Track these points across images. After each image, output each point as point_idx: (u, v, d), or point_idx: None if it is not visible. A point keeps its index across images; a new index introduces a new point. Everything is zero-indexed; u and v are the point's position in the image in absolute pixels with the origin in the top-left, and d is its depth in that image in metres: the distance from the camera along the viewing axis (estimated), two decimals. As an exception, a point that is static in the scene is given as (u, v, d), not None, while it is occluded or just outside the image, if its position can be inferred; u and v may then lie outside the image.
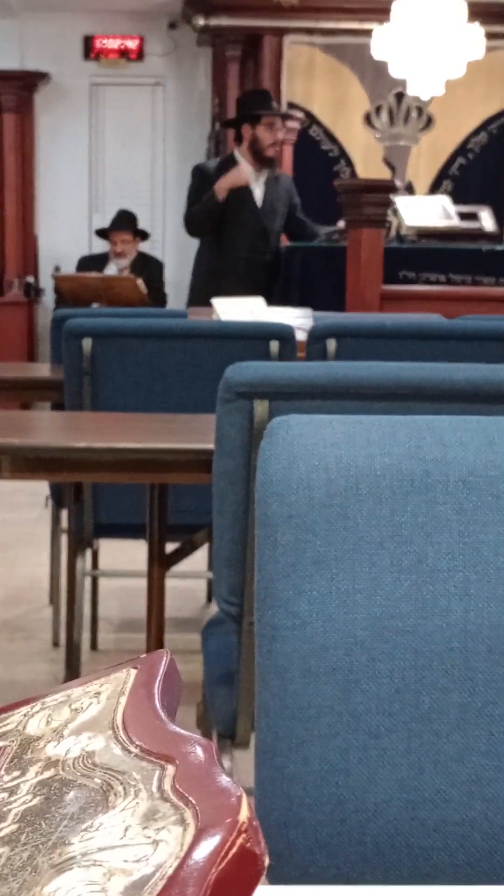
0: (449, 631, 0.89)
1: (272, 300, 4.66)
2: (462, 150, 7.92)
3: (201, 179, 5.75)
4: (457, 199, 6.81)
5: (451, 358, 2.43)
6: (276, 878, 0.89)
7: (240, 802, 0.31)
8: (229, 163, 5.84)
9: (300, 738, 0.89)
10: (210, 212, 5.62)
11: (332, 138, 7.83)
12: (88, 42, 8.24)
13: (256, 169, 5.75)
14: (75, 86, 8.27)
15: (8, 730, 0.41)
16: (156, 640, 2.27)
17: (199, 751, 0.35)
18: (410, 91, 6.71)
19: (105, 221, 7.53)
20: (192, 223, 5.72)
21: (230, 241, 5.74)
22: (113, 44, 8.23)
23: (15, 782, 0.37)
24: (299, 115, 7.55)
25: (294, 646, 0.89)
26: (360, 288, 4.65)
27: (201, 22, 7.66)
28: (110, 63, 8.27)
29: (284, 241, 6.04)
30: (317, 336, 2.53)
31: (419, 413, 1.02)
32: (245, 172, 5.65)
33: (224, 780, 0.32)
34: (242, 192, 5.71)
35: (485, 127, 7.93)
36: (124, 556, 3.80)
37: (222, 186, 5.60)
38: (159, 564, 2.23)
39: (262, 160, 5.69)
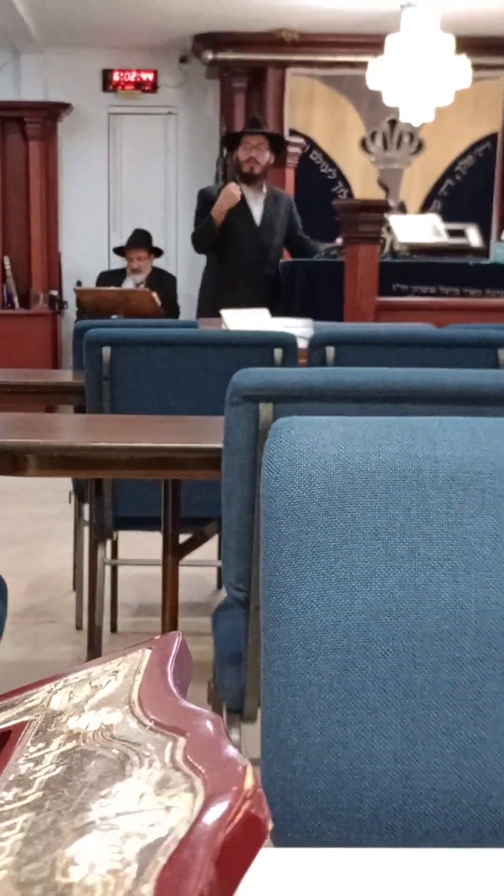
0: (439, 615, 0.89)
1: (276, 311, 4.66)
2: (450, 172, 7.91)
3: (204, 202, 5.79)
4: (446, 217, 6.81)
5: (440, 364, 2.43)
6: (281, 842, 0.89)
7: (245, 772, 0.31)
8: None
9: (302, 713, 0.89)
10: (209, 232, 5.67)
11: (330, 162, 7.83)
12: (107, 75, 8.25)
13: (254, 190, 5.77)
14: (95, 115, 8.28)
15: (34, 705, 0.41)
16: (170, 623, 2.27)
17: (208, 724, 0.35)
18: (403, 118, 6.71)
19: (122, 240, 7.54)
20: (197, 242, 5.81)
21: (232, 256, 5.77)
22: (129, 76, 8.24)
23: (40, 753, 0.37)
24: (299, 140, 7.56)
25: (296, 628, 0.89)
26: (357, 299, 4.65)
27: (210, 56, 7.66)
28: (127, 94, 8.27)
29: (287, 256, 6.05)
30: (317, 344, 2.52)
31: (411, 414, 1.02)
32: (235, 191, 5.66)
33: (231, 751, 0.32)
34: (242, 212, 5.73)
35: (472, 150, 7.92)
36: (141, 546, 3.81)
37: (218, 210, 5.64)
38: (173, 554, 2.23)
39: (243, 178, 5.74)
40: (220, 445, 1.65)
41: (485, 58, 7.47)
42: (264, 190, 5.85)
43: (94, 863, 0.29)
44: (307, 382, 1.61)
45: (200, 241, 5.76)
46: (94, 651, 2.71)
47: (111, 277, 7.17)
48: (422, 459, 0.91)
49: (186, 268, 8.05)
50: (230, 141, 5.93)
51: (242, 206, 5.75)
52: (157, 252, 7.21)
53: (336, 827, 0.88)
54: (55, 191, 8.25)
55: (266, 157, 5.79)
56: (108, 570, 3.21)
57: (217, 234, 5.67)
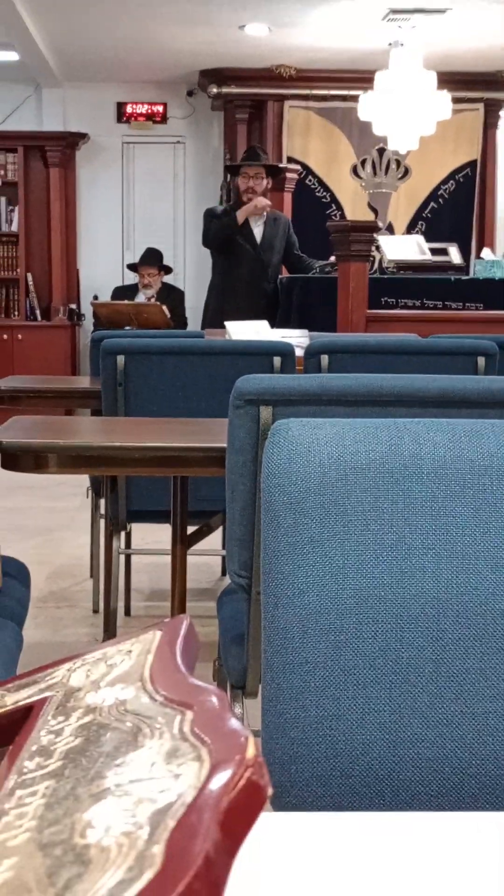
0: (423, 599, 0.89)
1: (275, 323, 4.66)
2: (434, 196, 7.90)
3: (211, 219, 5.81)
4: (429, 237, 6.80)
5: (424, 370, 2.43)
6: (280, 807, 0.89)
7: (247, 742, 0.31)
8: (235, 208, 5.87)
9: (299, 689, 0.89)
10: (228, 228, 5.65)
11: (324, 187, 7.82)
12: (121, 107, 8.24)
13: (256, 213, 5.79)
14: (110, 144, 8.28)
15: (54, 682, 0.41)
16: (179, 607, 2.27)
17: (213, 699, 0.35)
18: (390, 146, 6.71)
19: (135, 257, 7.54)
20: (208, 236, 5.79)
21: (234, 272, 5.77)
22: (141, 109, 8.23)
23: (60, 726, 0.37)
24: (296, 167, 7.56)
25: (294, 611, 0.89)
26: (349, 312, 4.65)
27: (215, 90, 7.66)
28: (139, 125, 8.27)
29: (285, 273, 6.04)
30: (312, 352, 2.52)
31: (398, 416, 1.02)
32: (263, 202, 5.67)
33: (234, 723, 0.32)
34: (245, 232, 5.73)
35: (453, 176, 7.91)
36: (152, 536, 3.81)
37: (244, 212, 5.65)
38: (182, 544, 2.23)
39: (244, 205, 5.75)
40: (224, 445, 1.65)
41: (464, 92, 7.47)
42: (264, 213, 5.85)
43: (109, 825, 0.29)
44: (303, 387, 1.61)
45: (216, 233, 5.71)
46: (109, 633, 2.71)
47: (125, 292, 7.17)
48: (407, 457, 0.91)
49: (193, 283, 8.05)
50: (231, 169, 5.95)
51: (245, 228, 5.75)
52: (167, 269, 7.21)
53: (330, 793, 0.88)
54: (74, 213, 8.25)
55: (263, 184, 5.80)
56: (122, 558, 3.21)
57: (233, 232, 5.65)
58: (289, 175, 7.26)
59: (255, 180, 5.74)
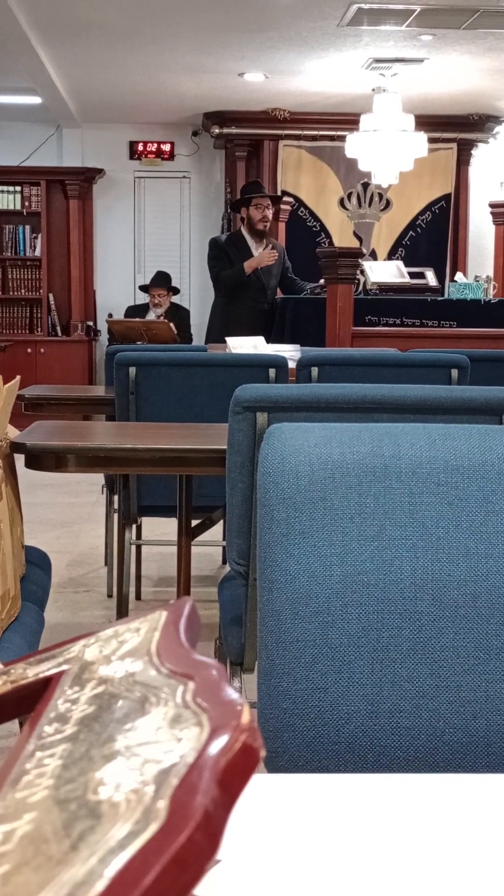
0: (402, 584, 0.89)
1: (270, 338, 4.66)
2: (412, 225, 7.91)
3: (216, 249, 5.80)
4: (408, 262, 6.81)
5: (403, 381, 2.43)
6: (273, 769, 0.89)
7: (243, 710, 0.31)
8: (236, 237, 5.86)
9: (290, 664, 0.89)
10: (236, 280, 5.67)
11: (314, 217, 7.83)
12: (133, 146, 8.24)
13: (256, 241, 5.78)
14: (123, 178, 8.28)
15: (71, 656, 0.41)
16: (184, 592, 2.27)
17: (213, 672, 0.35)
18: (373, 181, 6.71)
19: (146, 280, 7.53)
20: (222, 284, 5.75)
21: (239, 294, 5.76)
22: (151, 147, 8.23)
23: (76, 695, 0.37)
24: (290, 199, 7.56)
25: (286, 595, 0.89)
26: (336, 329, 4.65)
27: (217, 130, 7.66)
28: (149, 161, 8.27)
29: (279, 294, 6.05)
30: (303, 365, 2.52)
31: (380, 421, 1.02)
32: (270, 255, 5.68)
33: (231, 693, 0.32)
34: (247, 259, 5.72)
35: (429, 208, 7.92)
36: (160, 529, 3.80)
37: (255, 262, 5.66)
38: (186, 535, 2.23)
39: (255, 232, 5.74)
40: (224, 447, 1.64)
41: (439, 133, 7.48)
42: (264, 240, 5.86)
43: (119, 783, 0.29)
44: (295, 396, 1.61)
45: (227, 283, 5.72)
46: (121, 615, 2.71)
47: (136, 311, 7.17)
48: (388, 458, 0.91)
49: (198, 303, 8.05)
50: (243, 202, 5.90)
51: (248, 255, 5.76)
52: (175, 290, 7.21)
53: (318, 757, 0.88)
54: (91, 240, 8.25)
55: (270, 213, 5.83)
56: (133, 548, 3.20)
57: (243, 280, 5.68)
58: (283, 207, 7.27)
59: (266, 209, 5.79)
